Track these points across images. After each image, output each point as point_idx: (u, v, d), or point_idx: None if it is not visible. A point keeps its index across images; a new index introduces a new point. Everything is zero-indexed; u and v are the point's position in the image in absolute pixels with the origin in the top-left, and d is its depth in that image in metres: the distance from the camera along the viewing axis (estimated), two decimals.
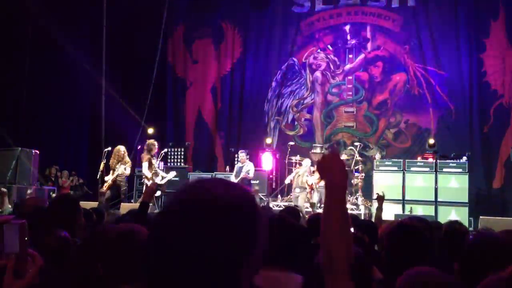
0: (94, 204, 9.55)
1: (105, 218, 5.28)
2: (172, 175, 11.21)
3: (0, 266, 1.44)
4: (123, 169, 10.50)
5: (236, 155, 12.89)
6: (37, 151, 12.24)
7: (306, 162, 11.50)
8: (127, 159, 10.73)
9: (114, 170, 10.54)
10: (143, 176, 11.29)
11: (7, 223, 1.46)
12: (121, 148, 10.72)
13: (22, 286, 1.43)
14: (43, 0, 14.07)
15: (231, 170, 12.30)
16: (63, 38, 13.91)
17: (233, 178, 11.37)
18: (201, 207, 1.07)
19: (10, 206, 9.32)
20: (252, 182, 11.95)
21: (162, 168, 11.88)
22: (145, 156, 11.03)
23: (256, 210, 1.13)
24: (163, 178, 11.07)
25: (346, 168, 1.62)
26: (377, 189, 11.30)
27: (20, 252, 1.45)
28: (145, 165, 10.96)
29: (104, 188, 10.42)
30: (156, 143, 11.28)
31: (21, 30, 14.34)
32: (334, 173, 1.55)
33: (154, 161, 10.97)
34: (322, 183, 10.84)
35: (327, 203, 1.54)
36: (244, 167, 11.43)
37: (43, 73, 14.44)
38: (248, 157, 11.95)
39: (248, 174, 11.30)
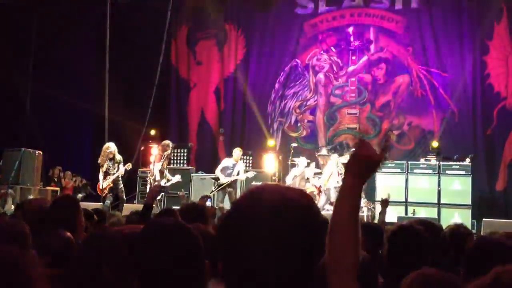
0: (97, 205, 9.55)
1: (107, 220, 5.28)
2: (177, 178, 11.15)
3: None
4: (123, 169, 10.41)
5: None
6: (40, 152, 12.26)
7: (303, 162, 11.45)
8: (118, 157, 10.57)
9: (106, 168, 10.36)
10: (149, 175, 11.26)
11: None
12: (111, 145, 10.51)
13: None
14: (45, 1, 14.12)
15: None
16: (67, 39, 13.95)
17: (218, 172, 11.29)
18: (276, 206, 1.15)
19: (13, 206, 9.33)
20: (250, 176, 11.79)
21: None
22: (158, 156, 11.01)
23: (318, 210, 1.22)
24: (168, 181, 10.99)
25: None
26: (379, 191, 11.33)
27: None
28: (157, 165, 10.92)
29: (105, 191, 10.34)
30: (171, 144, 11.24)
31: (25, 32, 14.38)
32: (360, 173, 1.52)
33: (164, 162, 10.91)
34: (330, 185, 10.78)
35: (340, 201, 1.49)
36: (236, 167, 11.25)
37: (47, 74, 14.48)
38: (247, 157, 11.94)
39: (238, 175, 11.16)
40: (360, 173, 1.51)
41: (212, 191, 11.22)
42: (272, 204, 1.14)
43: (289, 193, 1.18)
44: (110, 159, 10.35)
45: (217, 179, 11.33)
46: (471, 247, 2.13)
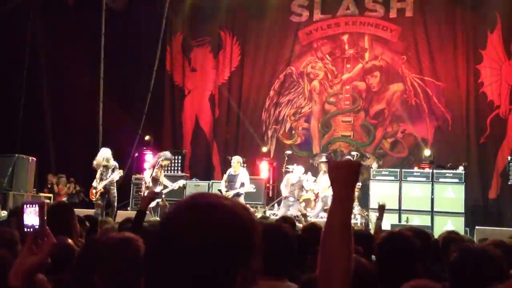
0: (89, 211, 9.53)
1: (99, 226, 5.28)
2: (179, 183, 11.01)
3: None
4: (116, 175, 10.37)
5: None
6: (34, 158, 12.23)
7: (299, 170, 11.39)
8: (112, 163, 10.52)
9: (100, 174, 10.36)
10: (143, 182, 11.22)
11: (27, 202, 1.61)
12: (106, 151, 10.44)
13: (36, 262, 1.54)
14: (41, 7, 14.12)
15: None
16: (62, 45, 13.95)
17: (223, 186, 11.01)
18: (198, 216, 1.11)
19: (5, 212, 9.29)
20: (251, 190, 11.36)
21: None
22: (152, 163, 10.98)
23: (253, 223, 1.16)
24: (165, 187, 10.84)
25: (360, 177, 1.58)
26: (373, 199, 11.34)
27: (39, 229, 1.57)
28: (148, 172, 10.88)
29: (96, 197, 10.31)
30: (169, 156, 11.14)
31: (19, 36, 14.37)
32: (344, 182, 1.51)
33: (158, 170, 10.83)
34: (328, 192, 10.70)
35: (332, 212, 1.50)
36: (238, 177, 10.82)
37: (41, 79, 14.47)
38: (244, 165, 11.87)
39: (243, 186, 10.71)
40: (344, 181, 1.52)
41: None
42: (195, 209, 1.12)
43: (215, 201, 1.15)
44: (104, 165, 10.35)
45: (220, 191, 10.95)
46: (456, 256, 2.11)
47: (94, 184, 10.36)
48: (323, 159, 11.30)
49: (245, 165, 13.09)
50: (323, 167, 11.06)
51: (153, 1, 15.23)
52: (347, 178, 1.52)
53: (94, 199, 10.34)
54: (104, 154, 10.37)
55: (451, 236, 4.49)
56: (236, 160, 11.03)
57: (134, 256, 1.93)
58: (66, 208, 3.63)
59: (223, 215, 1.11)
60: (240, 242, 1.11)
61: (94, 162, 10.42)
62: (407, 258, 2.72)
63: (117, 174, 10.39)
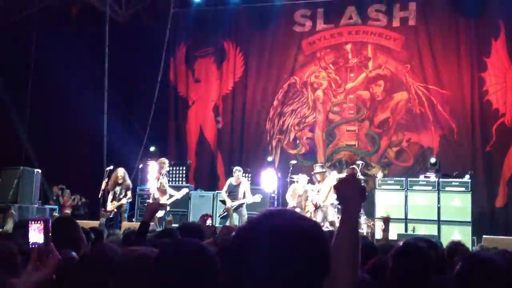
0: (95, 223, 9.53)
1: (104, 238, 5.26)
2: (183, 192, 11.15)
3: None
4: (125, 200, 10.60)
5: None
6: (39, 170, 12.25)
7: (303, 180, 11.36)
8: (126, 182, 10.70)
9: (113, 192, 10.55)
10: (150, 195, 11.26)
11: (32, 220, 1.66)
12: (120, 171, 10.71)
13: (40, 278, 1.58)
14: (44, 21, 14.19)
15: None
16: (66, 57, 14.00)
17: (225, 197, 11.14)
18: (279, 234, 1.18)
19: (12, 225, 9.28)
20: (257, 200, 11.38)
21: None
22: (157, 174, 11.04)
23: (326, 239, 1.25)
24: (171, 196, 10.92)
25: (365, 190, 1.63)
26: (379, 208, 11.28)
27: (44, 245, 1.60)
28: (154, 183, 10.93)
29: (112, 214, 10.49)
30: (166, 161, 11.25)
31: (24, 50, 14.44)
32: (352, 197, 1.55)
33: (162, 179, 10.87)
34: (328, 202, 10.69)
35: (342, 227, 1.53)
36: (241, 187, 11.05)
37: (45, 92, 14.51)
38: (246, 174, 11.84)
39: (245, 197, 10.96)
40: (350, 205, 1.52)
41: (220, 215, 11.15)
42: (278, 232, 1.17)
43: (300, 222, 1.21)
44: (119, 184, 10.54)
45: (224, 202, 11.15)
46: (461, 265, 2.04)
47: (109, 201, 10.54)
48: (317, 169, 11.25)
49: (250, 175, 13.08)
50: (318, 178, 11.05)
51: (156, 12, 15.30)
52: (355, 197, 1.57)
53: (110, 216, 10.58)
54: (118, 173, 10.59)
55: (455, 246, 4.46)
56: (238, 170, 11.23)
57: (149, 268, 1.94)
58: (70, 222, 3.60)
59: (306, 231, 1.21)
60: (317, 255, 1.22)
61: (109, 182, 10.62)
62: (422, 269, 2.67)
63: (126, 200, 10.68)
